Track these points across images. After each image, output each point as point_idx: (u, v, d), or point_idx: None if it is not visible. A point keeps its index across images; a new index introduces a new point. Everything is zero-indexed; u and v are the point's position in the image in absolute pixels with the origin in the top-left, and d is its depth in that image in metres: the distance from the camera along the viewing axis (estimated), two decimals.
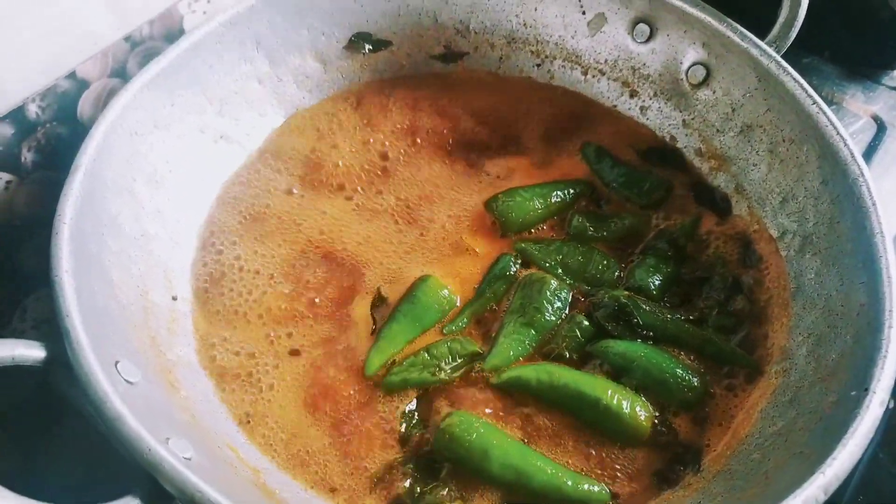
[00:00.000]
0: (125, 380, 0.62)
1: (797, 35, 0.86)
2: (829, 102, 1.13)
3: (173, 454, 0.56)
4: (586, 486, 0.68)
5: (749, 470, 0.65)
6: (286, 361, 0.77)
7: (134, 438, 0.55)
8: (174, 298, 0.78)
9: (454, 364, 0.75)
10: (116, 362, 0.62)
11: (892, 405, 0.92)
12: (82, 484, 0.64)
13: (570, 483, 0.68)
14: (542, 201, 0.87)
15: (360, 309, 0.81)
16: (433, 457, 0.70)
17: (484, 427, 0.70)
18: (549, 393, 0.73)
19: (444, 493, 0.68)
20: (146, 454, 0.54)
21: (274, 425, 0.73)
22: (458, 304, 0.80)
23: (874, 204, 0.70)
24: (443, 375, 0.75)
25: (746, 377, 0.75)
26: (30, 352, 0.60)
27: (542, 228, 0.87)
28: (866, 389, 0.60)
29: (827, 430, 0.60)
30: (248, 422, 0.73)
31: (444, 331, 0.78)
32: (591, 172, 0.92)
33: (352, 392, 0.75)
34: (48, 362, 0.60)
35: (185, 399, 0.70)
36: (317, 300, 0.81)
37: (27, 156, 0.83)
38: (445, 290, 0.80)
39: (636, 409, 0.71)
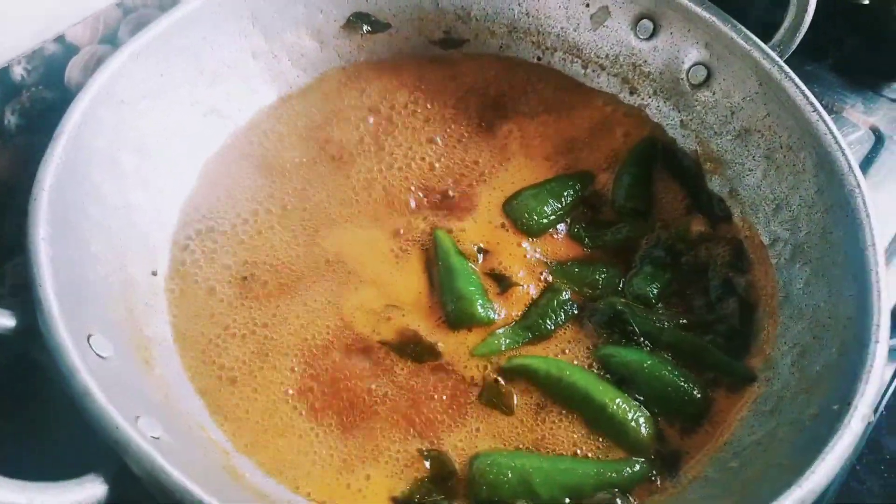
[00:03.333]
0: (97, 354, 0.61)
1: (801, 42, 0.85)
2: (830, 111, 1.11)
3: (141, 433, 0.54)
4: (628, 469, 0.68)
5: (726, 478, 0.65)
6: (269, 343, 0.75)
7: (102, 415, 0.53)
8: (154, 273, 0.77)
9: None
10: (89, 336, 0.61)
11: (872, 419, 0.92)
12: (49, 459, 0.62)
13: (614, 475, 0.68)
14: (557, 203, 0.87)
15: (355, 297, 0.80)
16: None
17: (514, 460, 0.69)
18: (555, 388, 0.73)
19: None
20: (113, 432, 0.53)
21: (250, 410, 0.71)
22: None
23: (868, 216, 0.69)
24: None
25: (730, 385, 0.74)
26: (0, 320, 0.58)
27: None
28: (848, 404, 0.59)
29: (807, 443, 0.59)
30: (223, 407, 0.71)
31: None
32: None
33: (345, 382, 0.73)
34: (19, 331, 0.59)
35: (159, 378, 0.69)
36: (301, 278, 0.80)
37: (10, 119, 0.81)
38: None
39: (640, 423, 0.71)
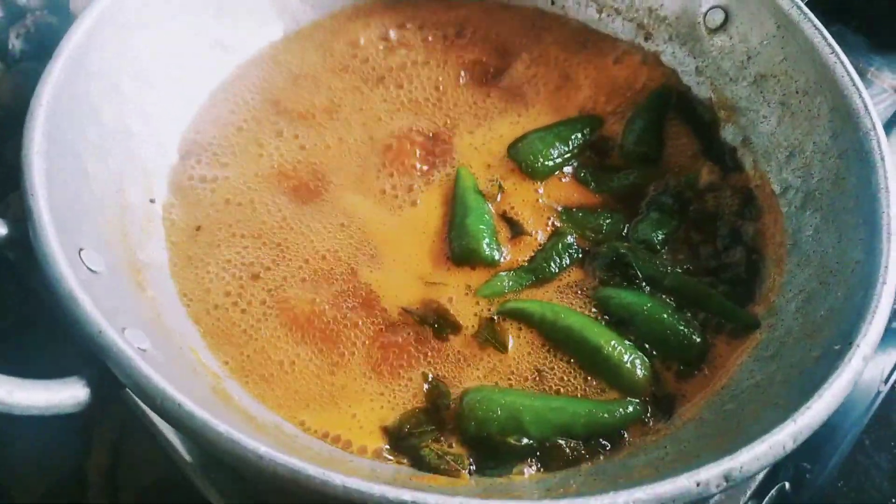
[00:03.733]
0: (88, 267, 0.60)
1: (827, 3, 0.82)
2: None
3: (127, 342, 0.54)
4: (621, 410, 0.67)
5: (721, 419, 0.63)
6: (268, 277, 0.75)
7: (86, 320, 0.53)
8: (152, 201, 0.77)
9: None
10: (81, 250, 0.61)
11: (882, 390, 0.90)
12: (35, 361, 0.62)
13: (606, 415, 0.67)
14: (564, 146, 0.85)
15: (363, 241, 0.79)
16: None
17: (505, 396, 0.68)
18: (551, 331, 0.72)
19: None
20: (96, 337, 0.53)
21: (244, 341, 0.71)
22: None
23: (882, 158, 0.67)
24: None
25: (732, 331, 0.72)
26: None
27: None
28: (850, 343, 0.57)
29: (806, 383, 0.58)
30: (216, 336, 0.71)
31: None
32: None
33: (344, 320, 0.72)
34: (10, 241, 0.59)
35: (152, 299, 0.68)
36: (302, 219, 0.79)
37: (15, 43, 0.81)
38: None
39: (635, 365, 0.69)
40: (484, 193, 0.81)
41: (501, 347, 0.72)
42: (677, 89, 0.89)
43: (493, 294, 0.75)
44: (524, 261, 0.78)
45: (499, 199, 0.82)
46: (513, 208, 0.82)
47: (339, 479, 0.47)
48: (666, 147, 0.86)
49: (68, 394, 0.51)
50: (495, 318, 0.73)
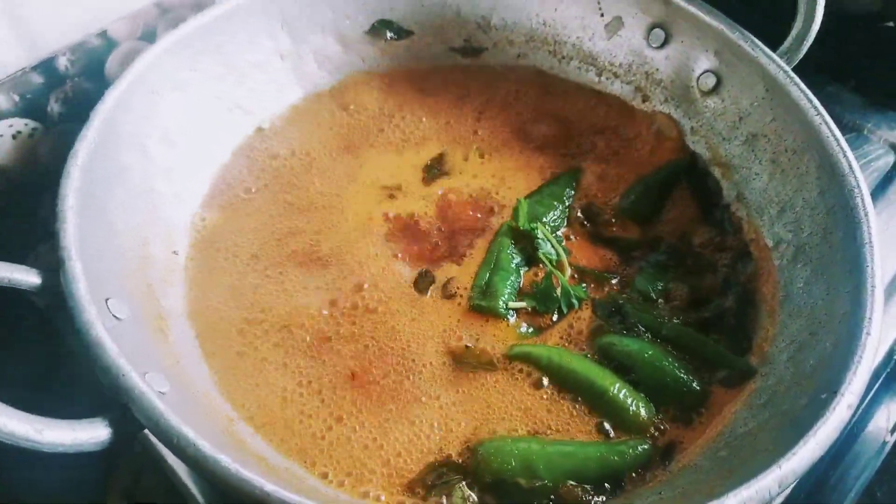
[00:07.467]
0: (113, 315, 0.64)
1: (823, 63, 0.86)
2: (851, 130, 1.12)
3: (148, 385, 0.58)
4: (630, 451, 0.69)
5: (714, 465, 0.65)
6: (289, 324, 0.78)
7: (110, 364, 0.57)
8: (175, 253, 0.81)
9: None
10: (107, 299, 0.65)
11: (888, 440, 0.91)
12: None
13: (617, 458, 0.69)
14: (561, 205, 0.89)
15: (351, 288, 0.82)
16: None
17: (518, 447, 0.70)
18: (557, 373, 0.75)
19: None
20: (119, 379, 0.56)
21: (259, 389, 0.73)
22: None
23: (867, 215, 0.70)
24: None
25: (728, 379, 0.74)
26: (26, 277, 0.63)
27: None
28: (835, 392, 0.59)
29: (794, 431, 0.60)
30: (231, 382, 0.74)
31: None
32: None
33: (359, 365, 0.75)
34: (43, 290, 0.63)
35: (172, 345, 0.72)
36: (308, 271, 0.83)
37: (54, 106, 0.87)
38: None
39: (640, 408, 0.72)
40: (520, 255, 0.84)
41: (489, 367, 0.75)
42: (688, 161, 0.92)
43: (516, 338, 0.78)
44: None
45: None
46: (536, 274, 0.84)
47: None
48: (665, 211, 0.89)
49: (91, 434, 0.54)
50: (469, 345, 0.76)
